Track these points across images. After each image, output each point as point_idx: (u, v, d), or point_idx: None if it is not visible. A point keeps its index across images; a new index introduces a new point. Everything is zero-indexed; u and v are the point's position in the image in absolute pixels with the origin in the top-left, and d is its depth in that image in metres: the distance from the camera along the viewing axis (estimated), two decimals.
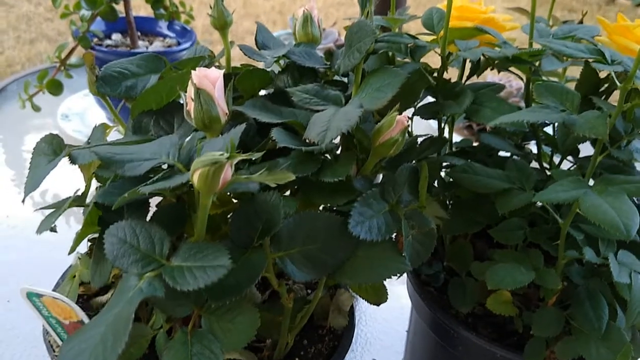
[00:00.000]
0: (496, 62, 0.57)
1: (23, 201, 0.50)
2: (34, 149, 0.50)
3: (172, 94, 0.51)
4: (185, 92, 0.45)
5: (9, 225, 0.96)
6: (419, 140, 0.59)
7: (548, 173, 0.59)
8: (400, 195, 0.47)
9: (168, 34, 1.29)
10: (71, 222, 0.91)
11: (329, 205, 0.48)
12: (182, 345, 0.41)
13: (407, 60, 0.57)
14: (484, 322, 0.58)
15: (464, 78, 0.61)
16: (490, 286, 0.50)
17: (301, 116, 0.48)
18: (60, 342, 0.48)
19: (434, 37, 0.57)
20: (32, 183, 0.49)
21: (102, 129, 0.53)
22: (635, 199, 0.50)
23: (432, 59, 0.59)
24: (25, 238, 0.92)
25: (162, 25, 1.29)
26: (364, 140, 0.49)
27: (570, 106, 0.47)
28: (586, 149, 0.58)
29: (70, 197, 0.49)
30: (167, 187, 0.39)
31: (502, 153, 0.61)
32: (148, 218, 0.46)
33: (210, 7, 0.55)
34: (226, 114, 0.45)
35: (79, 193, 0.50)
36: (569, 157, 0.60)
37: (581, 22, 0.63)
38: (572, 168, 0.60)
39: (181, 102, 0.47)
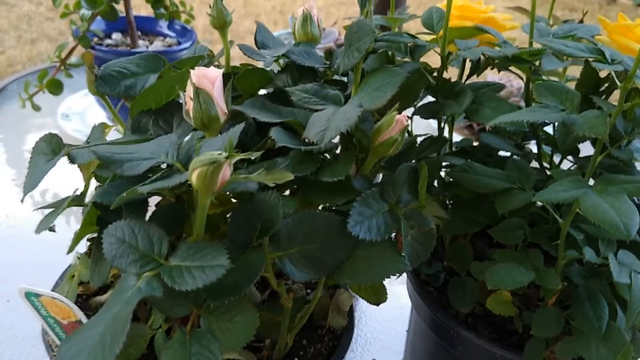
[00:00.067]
0: (496, 61, 0.57)
1: (22, 200, 0.50)
2: (33, 148, 0.50)
3: (171, 94, 0.51)
4: (185, 91, 0.45)
5: (8, 225, 0.96)
6: (419, 139, 0.59)
7: (548, 173, 0.58)
8: (399, 195, 0.47)
9: (168, 34, 1.29)
10: (71, 222, 0.91)
11: (328, 205, 0.48)
12: (181, 345, 0.41)
13: (406, 59, 0.57)
14: (484, 322, 0.58)
15: (464, 77, 0.61)
16: (490, 286, 0.50)
17: (300, 115, 0.48)
18: (58, 342, 0.48)
19: (434, 36, 0.57)
20: (31, 182, 0.49)
21: (101, 129, 0.53)
22: (635, 198, 0.50)
23: (432, 59, 0.59)
24: (25, 238, 0.92)
25: (163, 25, 1.29)
26: (363, 140, 0.49)
27: (570, 106, 0.47)
28: (586, 149, 0.58)
29: (69, 196, 0.49)
30: (166, 187, 0.39)
31: (502, 153, 0.61)
32: (147, 218, 0.46)
33: (210, 7, 0.55)
34: (225, 113, 0.45)
35: (78, 193, 0.50)
36: (569, 157, 0.60)
37: (581, 21, 0.63)
38: (572, 168, 0.60)
39: (180, 101, 0.47)
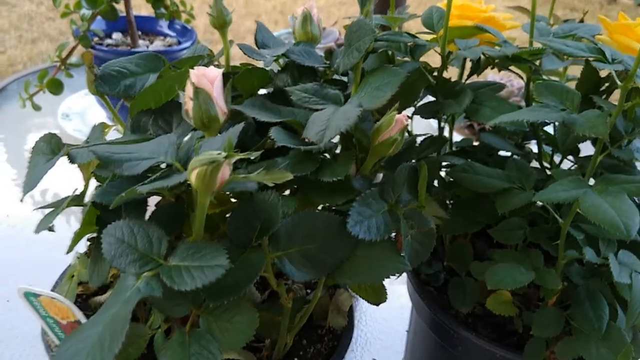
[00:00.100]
0: (496, 61, 0.57)
1: (22, 200, 0.50)
2: (32, 148, 0.50)
3: (170, 93, 0.51)
4: (184, 91, 0.45)
5: (9, 225, 0.96)
6: (419, 139, 0.59)
7: (548, 173, 0.58)
8: (399, 194, 0.47)
9: (169, 33, 1.29)
10: (71, 221, 0.91)
11: (327, 204, 0.47)
12: (180, 345, 0.41)
13: (406, 59, 0.57)
14: (484, 322, 0.58)
15: (464, 77, 0.60)
16: (489, 286, 0.50)
17: (300, 115, 0.48)
18: (58, 342, 0.48)
19: (434, 35, 0.57)
20: (31, 182, 0.49)
21: (100, 128, 0.53)
22: (636, 198, 0.50)
23: (433, 58, 0.58)
24: (25, 237, 0.92)
25: (163, 25, 1.29)
26: (363, 140, 0.49)
27: (571, 105, 0.47)
28: (587, 149, 0.58)
29: (68, 196, 0.49)
30: (165, 187, 0.39)
31: (502, 152, 0.61)
32: (147, 217, 0.46)
33: (210, 7, 0.55)
34: (225, 113, 0.45)
35: (78, 192, 0.50)
36: (570, 157, 0.60)
37: (582, 20, 0.63)
38: (572, 167, 0.60)
39: (180, 101, 0.47)
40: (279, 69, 0.55)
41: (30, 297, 0.45)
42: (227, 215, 0.47)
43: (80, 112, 1.24)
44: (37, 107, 1.09)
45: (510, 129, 0.60)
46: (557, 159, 0.62)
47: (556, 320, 0.51)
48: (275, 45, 0.58)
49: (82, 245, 0.52)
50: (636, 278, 0.48)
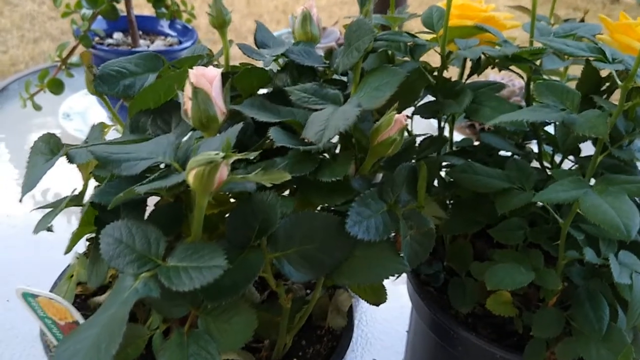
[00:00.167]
0: (496, 60, 0.57)
1: (21, 200, 0.50)
2: (31, 148, 0.50)
3: (170, 93, 0.51)
4: (183, 91, 0.45)
5: (9, 225, 0.96)
6: (419, 139, 0.59)
7: (549, 173, 0.58)
8: (398, 195, 0.47)
9: (169, 33, 1.29)
10: (72, 221, 0.91)
11: (326, 205, 0.47)
12: (178, 346, 0.41)
13: (406, 59, 0.57)
14: (484, 323, 0.58)
15: (465, 77, 0.60)
16: (489, 287, 0.50)
17: (300, 115, 0.48)
18: (56, 343, 0.48)
19: (434, 35, 0.57)
20: (30, 182, 0.49)
21: (100, 128, 0.52)
22: (636, 199, 0.50)
23: (433, 58, 0.58)
24: (25, 237, 0.92)
25: (164, 24, 1.29)
26: (362, 140, 0.49)
27: (571, 105, 0.46)
28: (588, 149, 0.57)
29: (67, 196, 0.49)
30: (163, 187, 0.39)
31: (503, 152, 0.60)
32: (146, 217, 0.45)
33: (209, 6, 0.55)
34: (224, 113, 0.45)
35: (77, 193, 0.50)
36: (571, 157, 0.60)
37: (582, 20, 0.62)
38: (573, 167, 0.59)
39: (179, 101, 0.46)
40: (279, 68, 0.55)
41: (28, 297, 0.45)
42: (226, 216, 0.47)
43: (81, 111, 1.24)
44: (37, 107, 1.09)
45: (511, 129, 0.59)
46: (557, 158, 0.61)
47: (556, 321, 0.51)
48: (275, 45, 0.58)
49: (82, 246, 0.52)
50: (636, 279, 0.48)
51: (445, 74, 0.57)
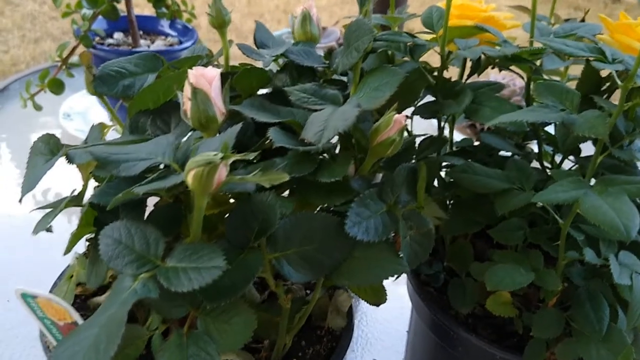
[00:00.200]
0: (496, 61, 0.57)
1: (20, 201, 0.50)
2: (31, 148, 0.50)
3: (169, 93, 0.51)
4: (182, 91, 0.45)
5: (10, 225, 0.96)
6: (419, 139, 0.58)
7: (549, 173, 0.58)
8: (398, 195, 0.47)
9: (170, 33, 1.29)
10: (73, 221, 0.91)
11: (326, 205, 0.47)
12: (178, 347, 0.41)
13: (406, 59, 0.56)
14: (484, 323, 0.58)
15: (465, 77, 0.60)
16: (489, 287, 0.50)
17: (299, 116, 0.47)
18: (55, 344, 0.48)
19: (434, 35, 0.57)
20: (29, 183, 0.49)
21: (99, 129, 0.53)
22: (637, 199, 0.50)
23: (434, 58, 0.58)
24: (26, 237, 0.92)
25: (164, 24, 1.29)
26: (362, 140, 0.48)
27: (570, 105, 0.46)
28: (588, 148, 0.57)
29: (66, 197, 0.49)
30: (162, 188, 0.39)
31: (503, 152, 0.60)
32: (146, 218, 0.45)
33: (208, 7, 0.55)
34: (223, 113, 0.45)
35: (76, 193, 0.50)
36: (571, 157, 0.60)
37: (583, 20, 0.62)
38: (573, 168, 0.59)
39: (178, 101, 0.46)
40: (278, 68, 0.55)
41: (28, 298, 0.45)
42: (226, 216, 0.47)
43: (82, 112, 1.24)
44: (38, 107, 1.09)
45: (511, 129, 0.59)
46: (558, 159, 0.61)
47: (556, 322, 0.51)
48: (275, 45, 0.58)
49: (82, 246, 0.52)
50: (637, 279, 0.48)
51: (446, 74, 0.57)
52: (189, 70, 0.44)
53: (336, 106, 0.47)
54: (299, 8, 0.56)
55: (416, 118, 0.59)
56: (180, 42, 1.25)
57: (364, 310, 0.84)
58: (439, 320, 0.58)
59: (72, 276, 0.54)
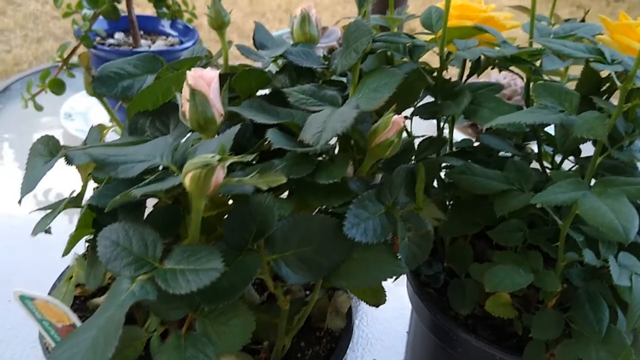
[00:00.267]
0: (496, 61, 0.57)
1: (19, 202, 0.50)
2: (30, 149, 0.50)
3: (168, 95, 0.51)
4: (181, 92, 0.45)
5: (11, 225, 0.96)
6: (419, 140, 0.58)
7: (549, 173, 0.58)
8: (396, 197, 0.47)
9: (171, 33, 1.29)
10: (74, 222, 0.90)
11: (324, 207, 0.47)
12: (176, 349, 0.41)
13: (405, 60, 0.56)
14: (484, 324, 0.58)
15: (465, 77, 0.60)
16: (488, 289, 0.50)
17: (298, 117, 0.47)
18: (54, 345, 0.48)
19: (434, 36, 0.57)
20: (29, 184, 0.49)
21: (98, 130, 0.53)
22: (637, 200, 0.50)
23: (434, 58, 0.58)
24: (27, 238, 0.92)
25: (165, 24, 1.29)
26: (360, 141, 0.48)
27: (569, 107, 0.46)
28: (589, 149, 0.57)
29: (65, 198, 0.49)
30: (160, 190, 0.39)
31: (503, 153, 0.60)
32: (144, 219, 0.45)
33: (208, 8, 0.54)
34: (222, 114, 0.45)
35: (75, 194, 0.50)
36: (571, 157, 0.60)
37: (583, 20, 0.62)
38: (573, 168, 0.59)
39: (177, 102, 0.46)
40: (277, 69, 0.55)
41: (26, 300, 0.45)
42: (225, 217, 0.47)
43: (83, 112, 1.24)
44: (39, 107, 1.09)
45: (511, 130, 0.59)
46: (558, 159, 0.61)
47: (556, 323, 0.51)
48: (274, 46, 0.57)
49: (82, 247, 0.52)
50: (636, 280, 0.47)
51: (446, 74, 0.57)
52: (188, 72, 0.44)
53: (335, 107, 0.47)
54: (298, 9, 0.56)
55: (417, 118, 0.59)
56: (181, 42, 1.25)
57: (364, 310, 0.84)
58: (439, 321, 0.58)
59: (71, 277, 0.54)
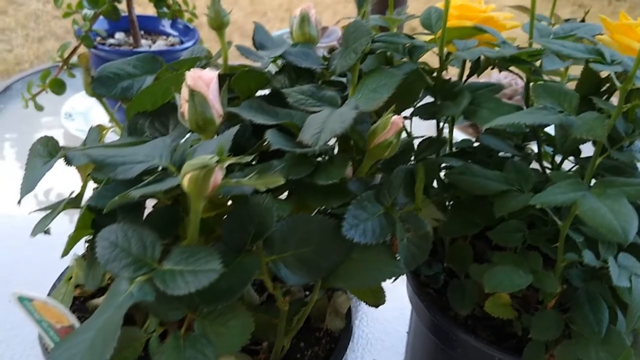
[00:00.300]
0: (496, 61, 0.56)
1: (19, 202, 0.50)
2: (29, 150, 0.50)
3: (167, 95, 0.51)
4: (180, 93, 0.45)
5: (11, 226, 0.96)
6: (418, 141, 0.58)
7: (548, 174, 0.58)
8: (395, 197, 0.47)
9: (171, 33, 1.29)
10: (74, 223, 0.91)
11: (323, 207, 0.47)
12: (175, 349, 0.41)
13: (405, 60, 0.56)
14: (483, 325, 0.58)
15: (465, 77, 0.60)
16: (487, 289, 0.50)
17: (297, 117, 0.47)
18: (52, 346, 0.48)
19: (433, 36, 0.56)
20: (28, 185, 0.49)
21: (98, 130, 0.53)
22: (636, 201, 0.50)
23: (434, 58, 0.58)
24: (27, 238, 0.92)
25: (165, 24, 1.29)
26: (360, 142, 0.48)
27: (569, 107, 0.46)
28: (589, 149, 0.57)
29: (65, 199, 0.49)
30: (159, 191, 0.39)
31: (502, 153, 0.60)
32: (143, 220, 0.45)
33: (207, 8, 0.54)
34: (221, 115, 0.45)
35: (75, 195, 0.50)
36: (571, 158, 0.59)
37: (583, 20, 0.62)
38: (573, 169, 0.59)
39: (176, 103, 0.46)
40: (277, 70, 0.55)
41: (24, 301, 0.45)
42: (224, 218, 0.47)
43: (83, 112, 1.24)
44: (39, 108, 1.09)
45: (510, 130, 0.59)
46: (558, 159, 0.61)
47: (555, 324, 0.51)
48: (274, 46, 0.57)
49: (81, 247, 0.52)
50: (636, 281, 0.47)
51: (446, 75, 0.57)
52: (187, 72, 0.43)
53: (334, 108, 0.47)
54: (298, 9, 0.56)
55: (417, 119, 0.59)
56: (182, 42, 1.25)
57: (364, 310, 0.84)
58: (439, 322, 0.58)
59: (70, 278, 0.54)
